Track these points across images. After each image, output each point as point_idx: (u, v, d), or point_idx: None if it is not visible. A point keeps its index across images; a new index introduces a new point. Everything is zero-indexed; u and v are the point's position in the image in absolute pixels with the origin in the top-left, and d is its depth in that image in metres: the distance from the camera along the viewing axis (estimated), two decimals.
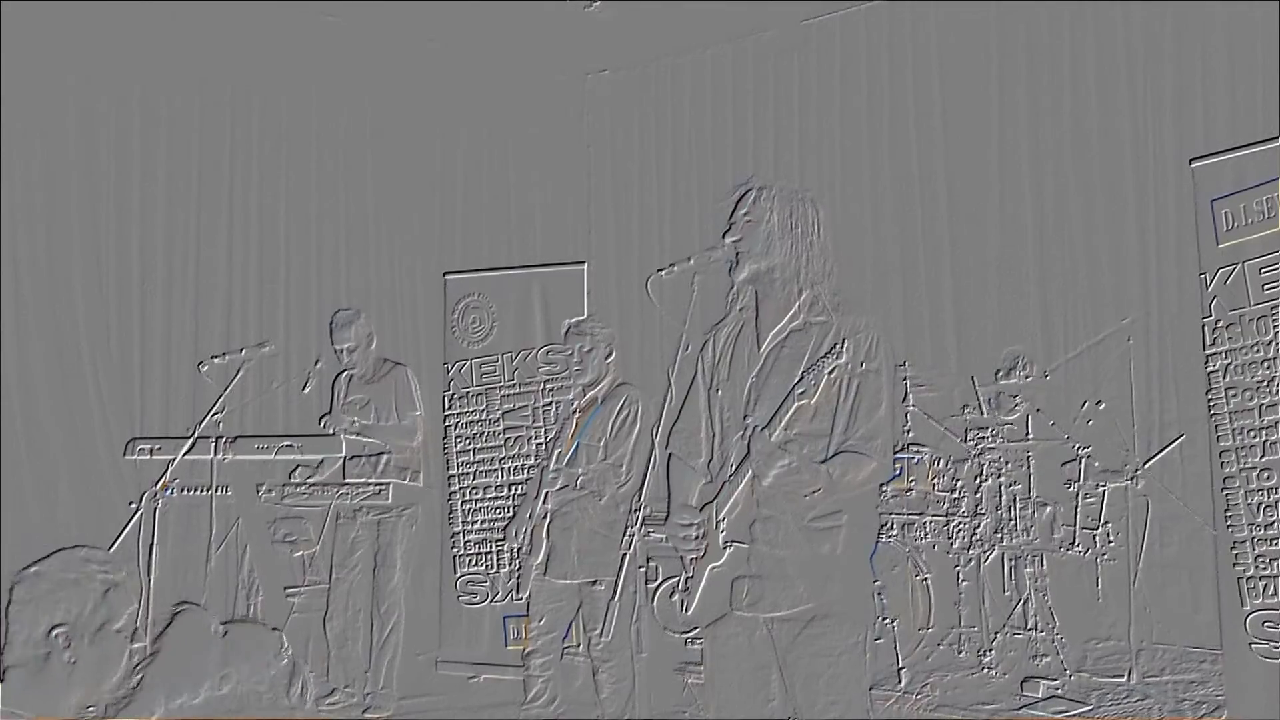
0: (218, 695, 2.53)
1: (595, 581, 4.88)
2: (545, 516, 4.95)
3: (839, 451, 3.18)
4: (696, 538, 3.21)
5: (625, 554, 4.06)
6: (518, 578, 5.16)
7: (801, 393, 3.14)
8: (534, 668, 5.00)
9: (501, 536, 6.13)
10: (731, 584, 3.21)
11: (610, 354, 5.10)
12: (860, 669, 3.20)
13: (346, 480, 5.68)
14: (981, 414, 5.44)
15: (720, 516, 3.21)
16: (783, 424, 3.16)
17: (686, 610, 3.25)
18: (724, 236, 3.37)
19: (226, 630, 2.69)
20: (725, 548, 3.20)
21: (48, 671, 2.52)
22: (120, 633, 2.61)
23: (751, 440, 3.17)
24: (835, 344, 3.18)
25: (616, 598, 4.15)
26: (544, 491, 4.98)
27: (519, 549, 5.06)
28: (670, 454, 3.41)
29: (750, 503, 3.20)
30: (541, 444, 6.17)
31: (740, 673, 3.28)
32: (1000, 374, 5.47)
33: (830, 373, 3.14)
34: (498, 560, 6.28)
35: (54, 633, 2.53)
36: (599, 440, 4.95)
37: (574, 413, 5.08)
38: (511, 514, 5.70)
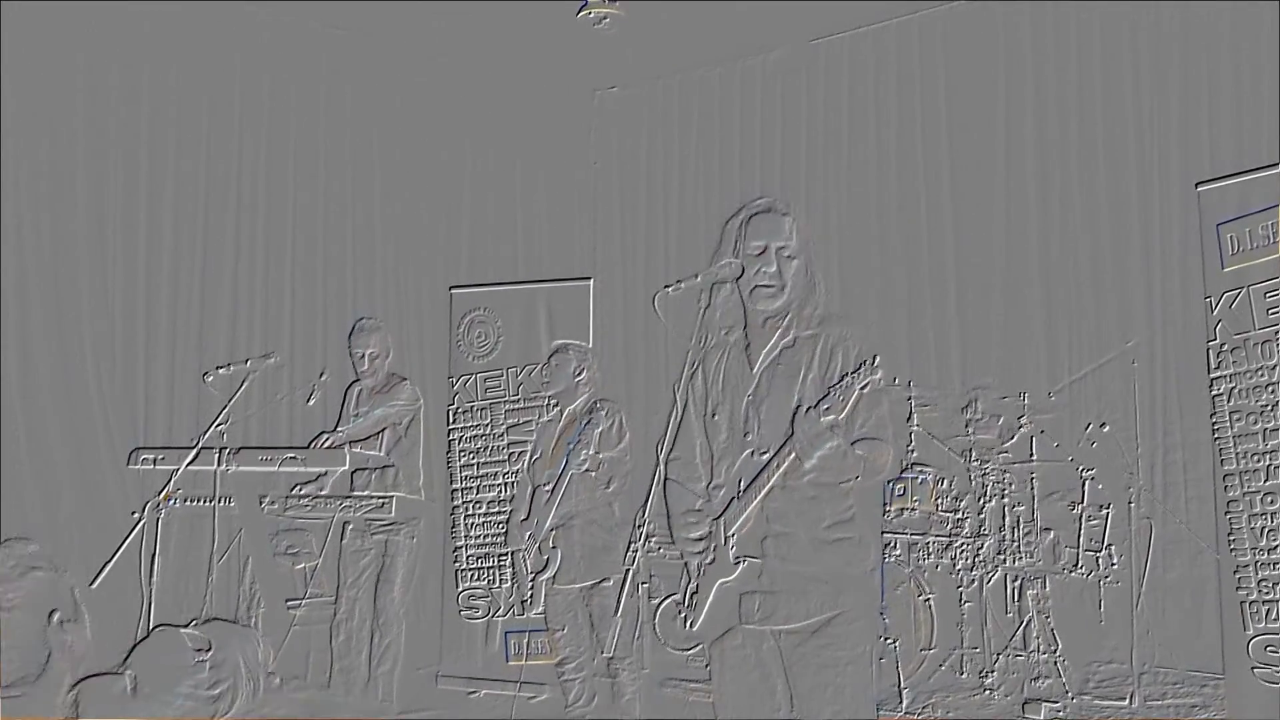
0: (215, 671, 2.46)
1: (603, 579, 4.99)
2: (552, 530, 4.99)
3: (857, 439, 3.18)
4: (703, 537, 3.21)
5: (629, 569, 4.06)
6: (530, 594, 5.21)
7: (827, 409, 3.12)
8: (568, 673, 5.14)
9: (504, 551, 6.14)
10: (740, 599, 3.21)
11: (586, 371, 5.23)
12: (867, 679, 3.19)
13: (351, 494, 5.70)
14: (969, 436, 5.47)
15: (730, 532, 3.21)
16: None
17: (692, 626, 3.24)
18: (756, 270, 3.31)
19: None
20: (736, 563, 3.20)
21: (52, 660, 2.52)
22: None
23: (798, 421, 3.13)
24: (860, 363, 3.15)
25: (619, 613, 4.16)
26: (554, 499, 4.99)
27: (530, 570, 5.08)
28: (668, 479, 3.39)
29: (760, 519, 3.19)
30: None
31: (748, 685, 3.27)
32: (966, 407, 5.49)
33: (863, 388, 3.12)
34: (499, 575, 6.27)
35: (54, 618, 2.53)
36: (592, 451, 5.02)
37: (560, 431, 5.15)
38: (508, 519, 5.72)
